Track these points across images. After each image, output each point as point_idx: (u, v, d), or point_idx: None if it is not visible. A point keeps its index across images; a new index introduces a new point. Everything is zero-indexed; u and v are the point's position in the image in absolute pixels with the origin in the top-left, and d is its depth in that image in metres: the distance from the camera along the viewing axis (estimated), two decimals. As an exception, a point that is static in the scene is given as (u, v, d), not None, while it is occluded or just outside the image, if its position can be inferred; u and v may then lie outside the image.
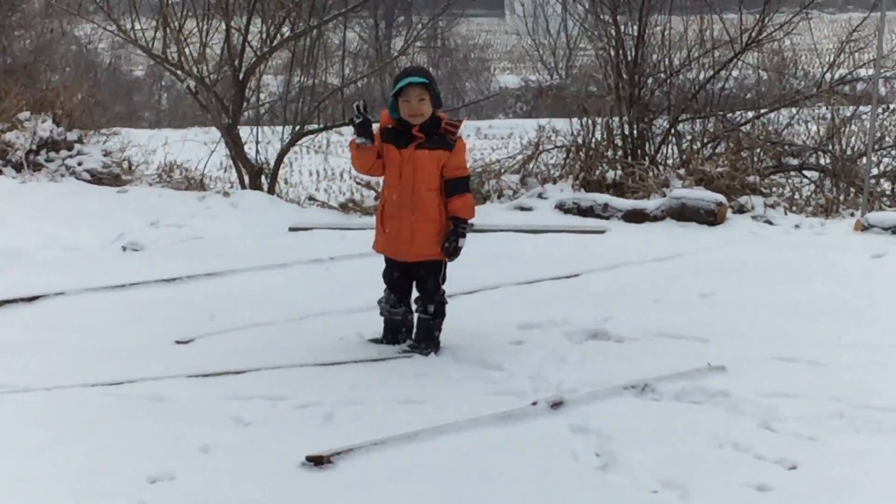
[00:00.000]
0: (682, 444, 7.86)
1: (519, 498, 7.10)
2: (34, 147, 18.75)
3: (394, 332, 9.95)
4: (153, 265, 12.76)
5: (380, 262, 10.04)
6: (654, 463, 7.54)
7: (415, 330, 9.90)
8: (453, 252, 9.67)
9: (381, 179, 9.98)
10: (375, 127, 9.72)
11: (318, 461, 7.49)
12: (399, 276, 9.84)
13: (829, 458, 7.64)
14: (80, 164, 18.70)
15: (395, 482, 7.27)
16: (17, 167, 18.44)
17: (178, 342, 10.05)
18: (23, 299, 11.19)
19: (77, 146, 18.99)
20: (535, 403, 8.49)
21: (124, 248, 13.70)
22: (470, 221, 9.81)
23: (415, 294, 9.94)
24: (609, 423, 8.19)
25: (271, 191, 18.36)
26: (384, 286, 9.95)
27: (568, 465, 7.59)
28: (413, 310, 9.91)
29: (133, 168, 19.26)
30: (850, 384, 8.96)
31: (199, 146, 20.99)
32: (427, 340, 9.81)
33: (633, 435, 7.98)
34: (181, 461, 7.55)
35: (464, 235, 9.68)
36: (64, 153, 18.80)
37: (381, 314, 9.99)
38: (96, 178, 18.38)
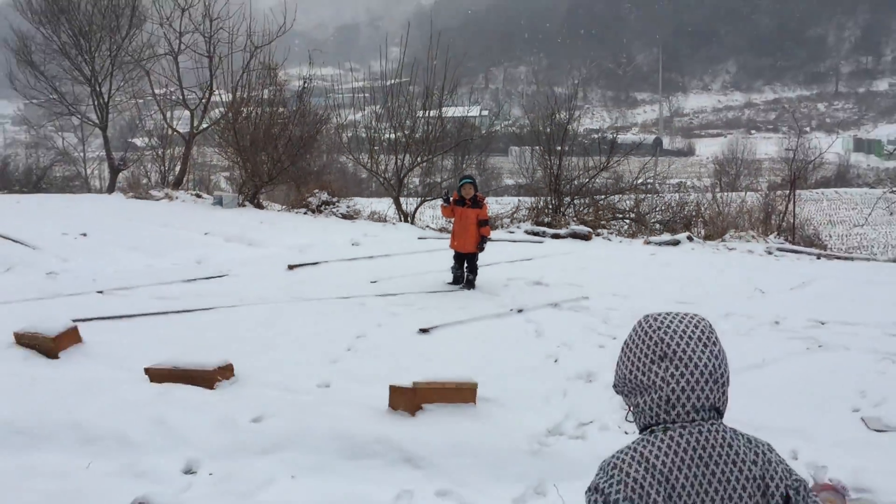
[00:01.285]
0: (570, 328, 7.79)
1: (503, 346, 7.08)
2: (319, 203, 18.78)
3: (457, 280, 9.84)
4: (364, 251, 12.76)
5: (451, 252, 9.92)
6: (559, 335, 7.50)
7: (465, 279, 9.77)
8: (481, 250, 9.58)
9: (452, 220, 9.82)
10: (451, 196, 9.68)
11: (424, 330, 7.47)
12: (460, 258, 9.75)
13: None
14: (337, 209, 18.72)
15: (457, 340, 7.26)
16: (313, 211, 18.50)
17: (371, 282, 9.99)
18: (312, 263, 11.24)
19: (336, 203, 19.01)
20: (512, 310, 8.43)
21: (352, 244, 13.67)
22: (488, 237, 9.70)
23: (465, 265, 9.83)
24: (541, 318, 8.13)
25: (412, 223, 18.31)
26: (453, 261, 9.85)
27: (523, 335, 7.54)
28: (465, 270, 9.79)
29: (358, 213, 19.19)
30: (639, 304, 8.84)
31: (385, 205, 20.95)
32: (469, 284, 9.69)
33: (551, 324, 7.92)
34: (369, 329, 7.57)
35: (486, 243, 9.61)
36: (331, 206, 18.83)
37: (452, 272, 9.88)
38: (344, 217, 18.40)
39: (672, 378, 1.82)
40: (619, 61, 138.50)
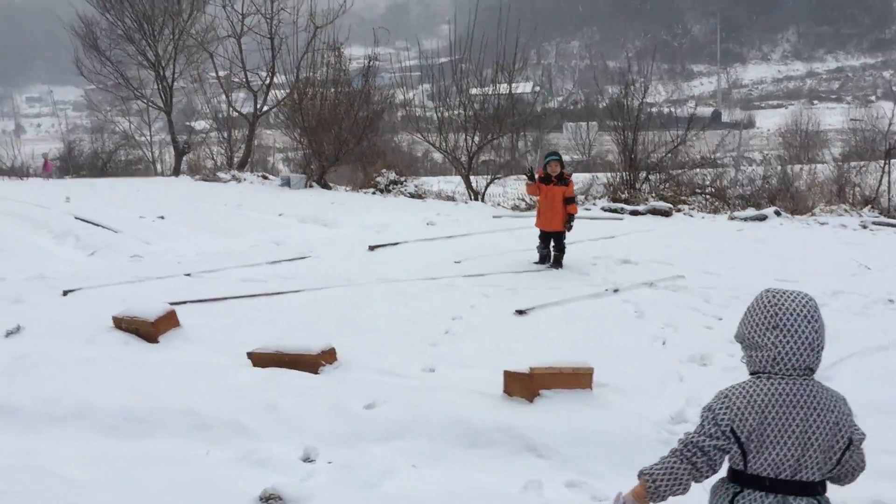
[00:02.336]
0: (670, 308, 7.52)
1: (604, 328, 6.86)
2: (387, 182, 18.71)
3: (543, 259, 9.59)
4: (441, 230, 12.60)
5: (534, 230, 9.69)
6: (661, 316, 7.24)
7: (552, 258, 9.52)
8: (569, 229, 9.34)
9: (536, 198, 9.57)
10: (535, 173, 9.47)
11: (521, 312, 7.27)
12: (546, 236, 9.50)
13: (736, 312, 7.21)
14: (405, 189, 18.62)
15: (555, 321, 7.06)
16: (382, 191, 18.45)
17: (455, 262, 9.81)
18: (392, 244, 11.09)
19: (404, 182, 18.90)
20: (607, 290, 8.17)
21: (427, 224, 13.52)
22: (575, 215, 9.42)
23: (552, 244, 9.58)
24: (639, 299, 7.87)
25: (483, 201, 18.03)
26: (539, 240, 9.59)
27: (623, 316, 7.31)
28: (551, 249, 9.53)
29: (425, 192, 19.02)
30: (737, 283, 8.44)
31: (451, 183, 20.72)
32: (557, 263, 9.46)
33: (649, 304, 7.66)
34: (463, 311, 7.42)
35: (573, 221, 9.35)
36: (399, 185, 18.73)
37: (538, 251, 9.64)
38: (413, 196, 18.29)
39: (780, 343, 2.42)
40: (674, 32, 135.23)
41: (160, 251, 10.57)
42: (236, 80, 28.01)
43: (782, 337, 2.41)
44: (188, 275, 8.89)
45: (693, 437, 2.51)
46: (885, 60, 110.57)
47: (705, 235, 12.23)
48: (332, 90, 21.37)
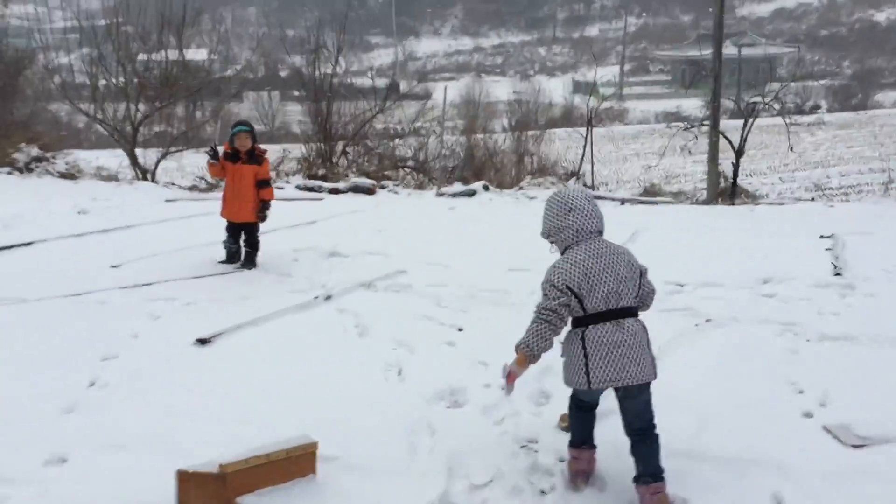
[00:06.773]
0: (398, 318, 6.10)
1: (320, 357, 5.24)
2: (28, 160, 15.38)
3: (232, 257, 7.75)
4: (95, 222, 10.15)
5: (217, 219, 7.87)
6: (389, 331, 5.77)
7: (243, 256, 7.72)
8: (263, 219, 7.65)
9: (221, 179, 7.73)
10: (221, 150, 7.60)
11: (203, 341, 5.41)
12: (234, 229, 7.67)
13: (476, 319, 5.98)
14: (54, 167, 15.44)
15: (252, 352, 5.30)
16: (20, 171, 15.09)
17: (112, 267, 7.62)
18: (22, 244, 8.52)
19: (51, 160, 15.63)
20: (317, 297, 6.55)
21: (79, 213, 10.96)
22: (271, 202, 7.68)
23: (243, 237, 7.77)
24: (357, 307, 6.38)
25: (153, 180, 15.33)
26: (226, 234, 7.75)
27: (342, 335, 5.76)
28: (241, 245, 7.72)
29: (80, 171, 15.81)
30: (467, 276, 7.33)
31: (115, 159, 17.49)
32: (249, 262, 7.71)
33: (372, 314, 6.18)
34: (121, 345, 5.39)
35: (268, 209, 7.63)
36: (45, 163, 15.48)
37: (224, 248, 7.79)
38: (63, 176, 15.17)
39: (577, 219, 3.42)
40: (350, 3, 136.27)
41: None
42: None
43: (577, 215, 3.43)
44: None
45: (544, 305, 3.38)
46: (540, 38, 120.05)
47: (416, 216, 11.09)
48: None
